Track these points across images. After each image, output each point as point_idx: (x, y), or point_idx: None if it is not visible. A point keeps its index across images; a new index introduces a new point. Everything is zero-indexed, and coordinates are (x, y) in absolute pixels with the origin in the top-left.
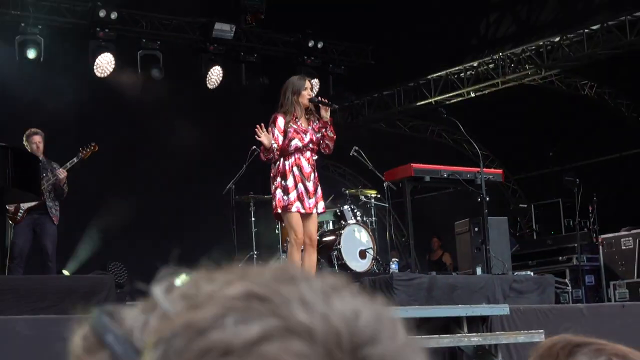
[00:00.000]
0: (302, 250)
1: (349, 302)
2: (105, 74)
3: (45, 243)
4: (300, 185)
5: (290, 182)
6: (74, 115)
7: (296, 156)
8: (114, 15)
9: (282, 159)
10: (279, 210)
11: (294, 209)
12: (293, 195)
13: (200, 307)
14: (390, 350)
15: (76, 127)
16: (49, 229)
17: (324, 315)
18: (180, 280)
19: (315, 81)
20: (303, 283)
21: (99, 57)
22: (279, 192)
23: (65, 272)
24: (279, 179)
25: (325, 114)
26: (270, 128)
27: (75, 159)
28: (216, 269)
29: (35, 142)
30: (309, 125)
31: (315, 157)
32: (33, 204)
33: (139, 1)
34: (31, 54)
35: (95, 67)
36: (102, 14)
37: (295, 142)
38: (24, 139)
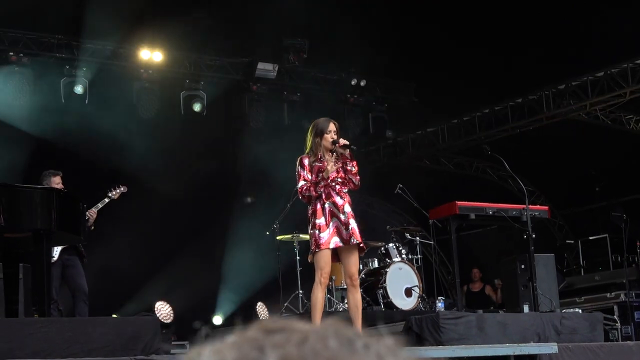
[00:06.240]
0: (344, 291)
1: None
2: (150, 115)
3: (81, 282)
4: (334, 220)
5: (322, 220)
6: (118, 155)
7: (326, 191)
8: (157, 57)
9: (314, 199)
10: (316, 250)
11: (332, 244)
12: (328, 231)
13: None
14: None
15: (115, 164)
16: (80, 268)
17: None
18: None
19: (358, 119)
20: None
21: (144, 98)
22: (314, 232)
23: (114, 316)
24: (313, 219)
25: (344, 151)
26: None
27: (106, 200)
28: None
29: (56, 183)
30: (335, 163)
31: (346, 190)
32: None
33: (182, 43)
34: (78, 89)
35: (140, 108)
36: (145, 55)
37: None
38: (42, 179)
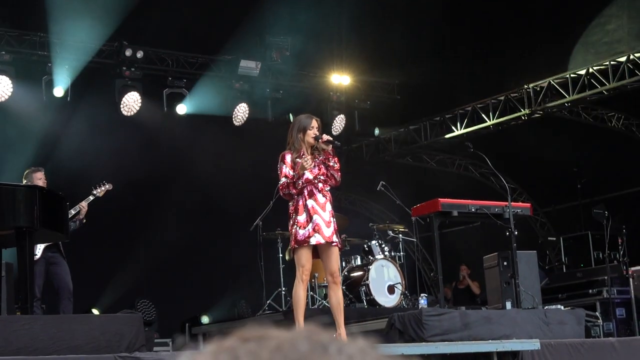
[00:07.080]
0: (327, 288)
1: None
2: (132, 113)
3: (66, 280)
4: (316, 217)
5: (303, 217)
6: (100, 152)
7: (309, 189)
8: (139, 54)
9: (296, 196)
10: (295, 246)
11: (312, 241)
12: (308, 229)
13: None
14: None
15: (102, 164)
16: (65, 266)
17: None
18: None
19: (342, 117)
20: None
21: (126, 96)
22: (294, 229)
23: (95, 311)
24: (294, 216)
25: (327, 147)
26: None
27: (91, 197)
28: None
29: (39, 179)
30: (315, 159)
31: (328, 188)
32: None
33: (164, 40)
34: (58, 92)
35: (121, 105)
36: (128, 53)
37: (306, 175)
38: (24, 177)
